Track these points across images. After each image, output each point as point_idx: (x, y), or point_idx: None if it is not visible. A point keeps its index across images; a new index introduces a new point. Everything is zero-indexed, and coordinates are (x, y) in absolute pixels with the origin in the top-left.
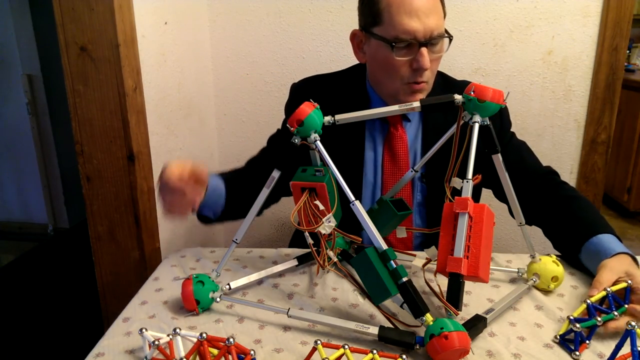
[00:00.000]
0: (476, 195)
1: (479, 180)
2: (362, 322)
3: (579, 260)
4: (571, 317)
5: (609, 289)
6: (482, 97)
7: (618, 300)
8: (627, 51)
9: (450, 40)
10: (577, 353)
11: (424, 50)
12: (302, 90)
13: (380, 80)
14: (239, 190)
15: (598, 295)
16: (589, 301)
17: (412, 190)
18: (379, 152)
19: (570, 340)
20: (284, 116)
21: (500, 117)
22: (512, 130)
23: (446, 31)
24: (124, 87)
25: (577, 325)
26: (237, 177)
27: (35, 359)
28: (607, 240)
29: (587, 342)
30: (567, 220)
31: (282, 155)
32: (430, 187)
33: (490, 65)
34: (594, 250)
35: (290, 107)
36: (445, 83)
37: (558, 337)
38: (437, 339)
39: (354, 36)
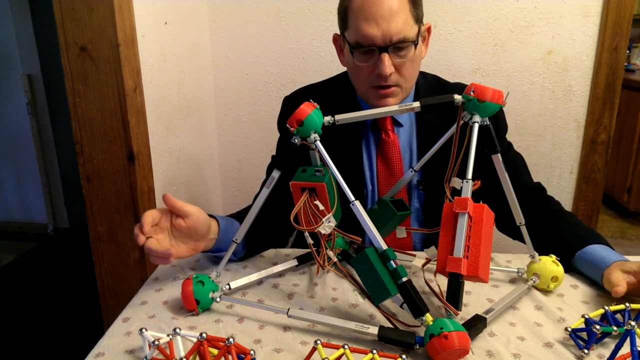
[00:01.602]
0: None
1: (478, 186)
2: (362, 322)
3: (571, 264)
4: (587, 317)
5: (628, 305)
6: (481, 97)
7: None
8: (627, 51)
9: (416, 45)
10: (586, 351)
11: (383, 56)
12: (294, 102)
13: (353, 83)
14: (258, 223)
15: (617, 307)
16: (607, 308)
17: (409, 197)
18: (373, 158)
19: (580, 338)
20: None
21: (496, 119)
22: (510, 132)
23: (416, 35)
24: (124, 87)
25: (597, 327)
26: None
27: (35, 359)
28: (602, 250)
29: (595, 345)
30: (558, 231)
31: (283, 158)
32: (427, 194)
33: (490, 65)
34: (588, 259)
35: (283, 119)
36: (438, 86)
37: (569, 329)
38: (437, 339)
39: (335, 40)
